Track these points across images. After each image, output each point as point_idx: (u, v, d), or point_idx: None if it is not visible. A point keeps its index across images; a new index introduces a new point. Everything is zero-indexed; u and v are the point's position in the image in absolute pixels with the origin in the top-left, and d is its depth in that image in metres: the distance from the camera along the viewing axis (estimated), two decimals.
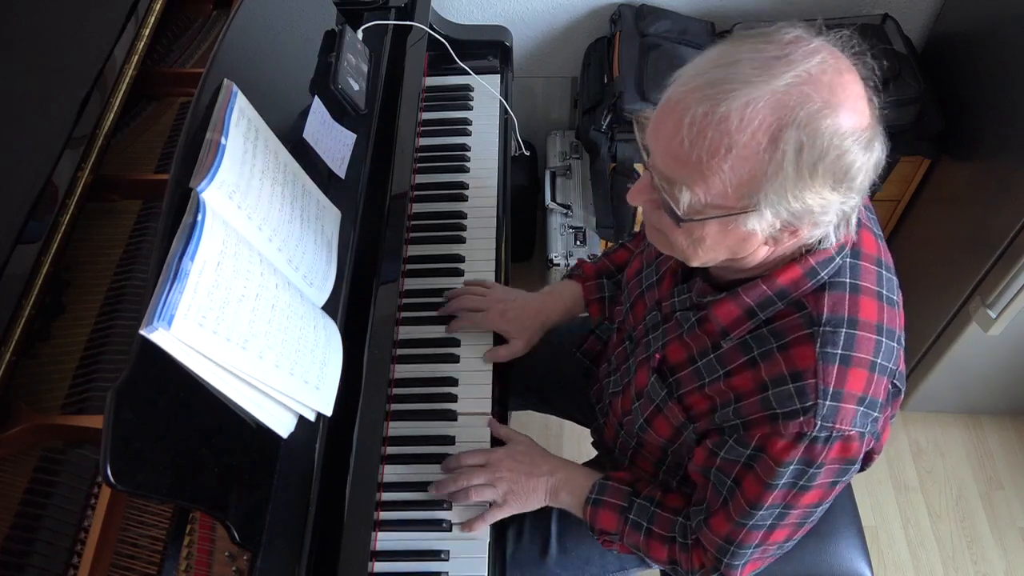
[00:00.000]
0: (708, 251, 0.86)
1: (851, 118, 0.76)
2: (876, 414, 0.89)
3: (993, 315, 1.59)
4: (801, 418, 0.86)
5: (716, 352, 0.95)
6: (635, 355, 1.12)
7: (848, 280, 0.88)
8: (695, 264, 0.90)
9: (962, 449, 2.08)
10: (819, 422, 0.85)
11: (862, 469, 0.97)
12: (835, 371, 0.85)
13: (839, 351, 0.86)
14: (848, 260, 0.89)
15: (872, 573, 1.28)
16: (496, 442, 1.21)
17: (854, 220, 0.86)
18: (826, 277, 0.88)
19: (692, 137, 0.77)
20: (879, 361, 0.88)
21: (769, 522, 0.96)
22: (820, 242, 0.85)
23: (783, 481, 0.90)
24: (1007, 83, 1.57)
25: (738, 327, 0.92)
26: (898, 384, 0.93)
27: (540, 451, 1.18)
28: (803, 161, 0.75)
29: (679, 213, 0.81)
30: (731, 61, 0.77)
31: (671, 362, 1.02)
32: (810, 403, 0.85)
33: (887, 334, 0.89)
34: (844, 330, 0.86)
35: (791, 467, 0.89)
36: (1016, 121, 1.52)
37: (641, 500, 1.10)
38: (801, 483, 0.91)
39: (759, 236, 0.82)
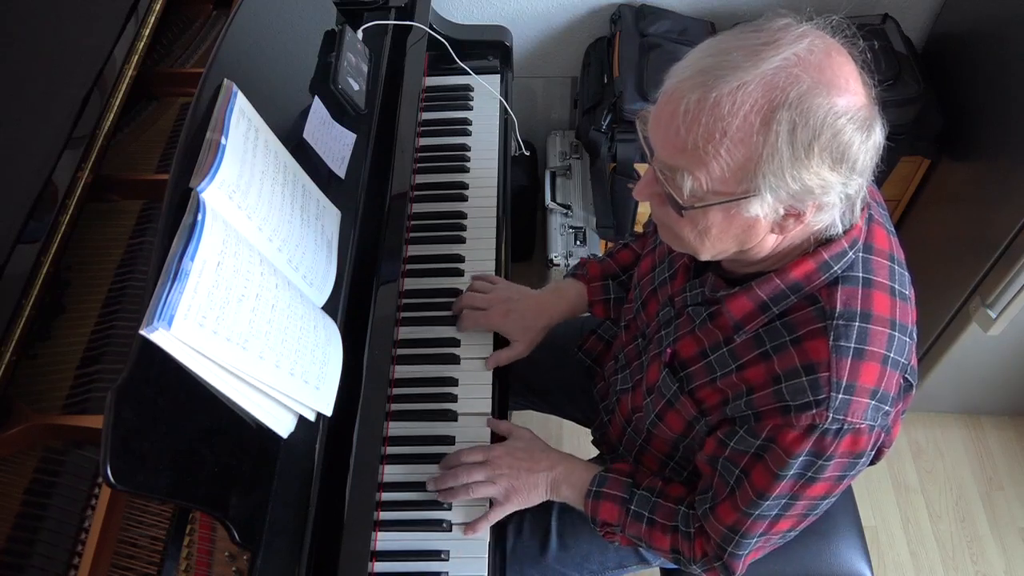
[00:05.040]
0: (715, 241, 0.86)
1: (844, 97, 0.76)
2: (887, 408, 0.89)
3: (993, 315, 1.59)
4: (813, 410, 0.86)
5: (728, 346, 0.95)
6: (647, 352, 1.12)
7: (861, 274, 0.89)
8: (705, 257, 0.90)
9: (962, 449, 2.08)
10: (831, 415, 0.86)
11: (873, 462, 0.98)
12: (848, 364, 0.86)
13: (852, 344, 0.86)
14: (860, 255, 0.89)
15: (872, 573, 1.28)
16: (498, 438, 1.20)
17: (859, 206, 0.86)
18: (839, 271, 0.88)
19: (687, 124, 0.78)
20: (891, 355, 0.88)
21: (775, 512, 0.96)
22: (828, 230, 0.86)
23: (792, 472, 0.91)
24: (1007, 83, 1.57)
25: (751, 321, 0.92)
26: (910, 379, 0.93)
27: (540, 445, 1.18)
28: (797, 141, 0.76)
29: (681, 201, 0.82)
30: (722, 50, 0.79)
31: (682, 357, 1.02)
32: (823, 396, 0.86)
33: (899, 329, 0.89)
34: (857, 324, 0.87)
35: (800, 458, 0.89)
36: (1016, 121, 1.52)
37: (642, 491, 1.10)
38: (809, 474, 0.91)
39: (763, 222, 0.83)
